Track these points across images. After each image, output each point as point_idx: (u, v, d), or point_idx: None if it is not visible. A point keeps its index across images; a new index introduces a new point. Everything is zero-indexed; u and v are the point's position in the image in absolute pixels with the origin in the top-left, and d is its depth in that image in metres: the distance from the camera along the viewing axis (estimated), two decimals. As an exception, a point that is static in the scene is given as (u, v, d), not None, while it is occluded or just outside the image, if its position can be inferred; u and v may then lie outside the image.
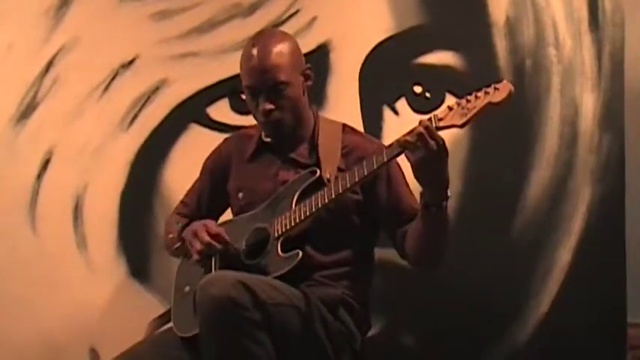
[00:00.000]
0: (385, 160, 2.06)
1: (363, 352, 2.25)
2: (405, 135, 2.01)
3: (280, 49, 2.26)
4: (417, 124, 2.00)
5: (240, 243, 2.25)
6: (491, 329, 2.88)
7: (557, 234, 2.88)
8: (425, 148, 1.97)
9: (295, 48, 2.32)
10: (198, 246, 2.24)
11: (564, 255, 2.87)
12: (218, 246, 2.23)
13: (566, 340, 2.85)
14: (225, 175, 2.44)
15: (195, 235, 2.26)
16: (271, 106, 2.24)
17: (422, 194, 2.08)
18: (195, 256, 2.26)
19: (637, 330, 2.88)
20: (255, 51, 2.26)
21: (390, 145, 2.06)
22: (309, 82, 2.35)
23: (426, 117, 2.01)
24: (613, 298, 2.85)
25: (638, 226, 2.88)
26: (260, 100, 2.25)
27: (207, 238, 2.23)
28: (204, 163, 2.52)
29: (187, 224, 2.38)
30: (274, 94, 2.24)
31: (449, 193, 2.06)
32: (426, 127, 1.97)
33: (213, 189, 2.48)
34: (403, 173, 2.28)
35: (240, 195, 2.38)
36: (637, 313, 2.86)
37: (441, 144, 1.98)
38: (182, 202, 2.57)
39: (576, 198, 2.88)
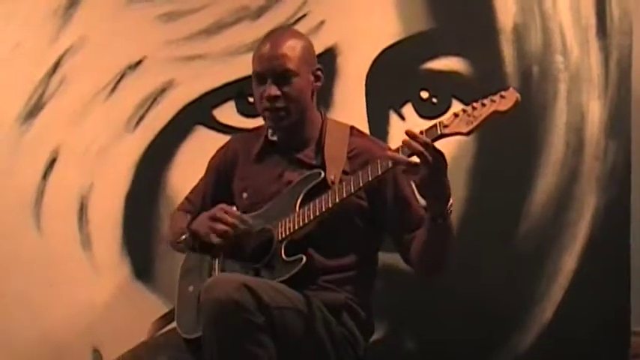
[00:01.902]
0: (390, 165, 2.05)
1: (367, 357, 2.25)
2: (402, 146, 1.99)
3: (293, 42, 2.27)
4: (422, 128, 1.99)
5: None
6: (495, 335, 2.87)
7: (562, 241, 2.87)
8: (425, 166, 1.96)
9: (308, 45, 2.32)
10: (221, 227, 2.21)
11: (569, 262, 2.87)
12: (242, 226, 2.21)
13: (570, 347, 2.84)
14: (230, 174, 2.44)
15: (215, 218, 2.23)
16: (277, 92, 2.24)
17: (427, 208, 2.07)
18: (216, 239, 2.22)
19: (641, 338, 2.88)
20: (268, 42, 2.27)
21: (397, 150, 2.04)
22: (319, 84, 2.34)
23: (431, 123, 2.00)
24: (617, 306, 2.84)
25: (644, 234, 2.88)
26: (267, 86, 2.25)
27: (231, 219, 2.21)
28: (211, 161, 2.52)
29: (194, 219, 2.36)
30: (281, 80, 2.24)
31: (452, 201, 2.05)
32: (425, 145, 1.95)
33: (219, 187, 2.47)
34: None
35: (245, 195, 2.37)
36: (641, 321, 2.86)
37: (441, 159, 1.97)
38: (187, 199, 2.56)
39: (581, 205, 2.87)
